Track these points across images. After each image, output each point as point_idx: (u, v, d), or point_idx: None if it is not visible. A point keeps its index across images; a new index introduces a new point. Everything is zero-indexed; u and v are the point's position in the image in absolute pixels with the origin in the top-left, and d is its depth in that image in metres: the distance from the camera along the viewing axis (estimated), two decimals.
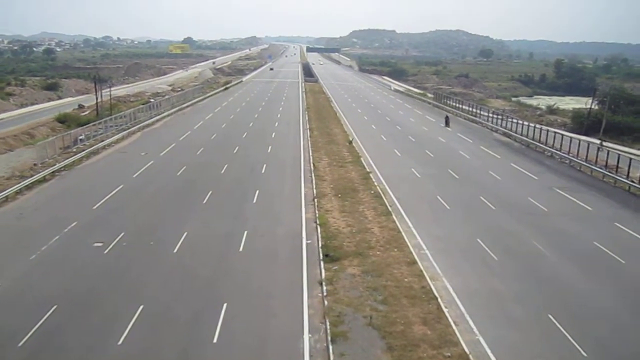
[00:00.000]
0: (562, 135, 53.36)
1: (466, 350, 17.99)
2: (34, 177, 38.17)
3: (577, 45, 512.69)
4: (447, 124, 69.75)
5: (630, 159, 40.54)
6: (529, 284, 23.61)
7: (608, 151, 45.09)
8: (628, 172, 39.82)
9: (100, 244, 26.74)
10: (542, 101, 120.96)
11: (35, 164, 42.46)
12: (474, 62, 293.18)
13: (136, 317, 19.92)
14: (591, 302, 22.23)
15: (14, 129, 60.32)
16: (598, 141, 53.23)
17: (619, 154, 43.20)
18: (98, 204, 33.14)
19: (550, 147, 52.34)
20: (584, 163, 45.45)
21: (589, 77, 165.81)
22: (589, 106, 73.70)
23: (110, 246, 26.56)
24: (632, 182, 38.90)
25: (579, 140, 49.73)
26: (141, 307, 20.57)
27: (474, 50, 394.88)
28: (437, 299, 21.45)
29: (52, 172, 40.29)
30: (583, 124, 70.71)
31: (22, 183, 36.41)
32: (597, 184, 41.31)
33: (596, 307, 21.77)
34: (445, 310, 20.66)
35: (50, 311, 20.14)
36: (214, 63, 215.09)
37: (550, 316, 20.65)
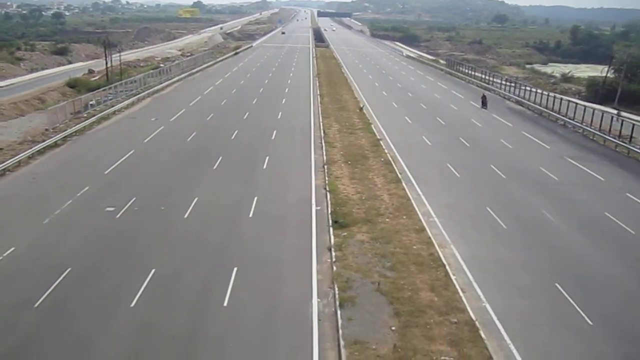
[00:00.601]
0: (576, 104, 52.65)
1: (473, 317, 18.17)
2: (46, 142, 38.41)
3: (594, 11, 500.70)
4: (484, 104, 58.97)
5: (634, 125, 39.99)
6: (537, 253, 23.67)
7: (622, 120, 44.43)
8: None
9: (112, 209, 27.03)
10: (557, 69, 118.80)
11: (46, 129, 42.69)
12: (487, 27, 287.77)
13: (148, 280, 20.26)
14: (599, 271, 22.28)
15: (25, 93, 60.49)
16: (614, 111, 52.48)
17: (633, 124, 42.62)
18: (109, 169, 33.39)
19: (563, 116, 51.72)
20: (597, 132, 44.95)
21: (606, 45, 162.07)
22: (604, 74, 72.45)
23: (122, 211, 26.85)
24: None
25: (593, 109, 49.10)
26: (153, 270, 20.90)
27: (488, 16, 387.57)
28: (445, 266, 21.59)
29: (64, 137, 40.50)
30: (598, 92, 69.64)
31: (34, 148, 36.68)
32: (610, 154, 40.93)
33: (604, 277, 21.82)
34: (452, 277, 20.80)
35: (65, 274, 20.52)
36: (221, 28, 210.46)
37: (557, 285, 20.76)
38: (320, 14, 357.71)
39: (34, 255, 22.32)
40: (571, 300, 19.69)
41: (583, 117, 48.39)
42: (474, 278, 21.15)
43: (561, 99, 55.23)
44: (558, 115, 52.62)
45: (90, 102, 51.75)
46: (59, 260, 21.61)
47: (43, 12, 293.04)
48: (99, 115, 47.92)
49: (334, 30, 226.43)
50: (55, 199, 28.12)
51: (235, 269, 21.25)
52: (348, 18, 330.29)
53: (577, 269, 22.35)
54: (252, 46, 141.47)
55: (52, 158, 36.47)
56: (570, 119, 50.32)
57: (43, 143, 38.05)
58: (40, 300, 18.80)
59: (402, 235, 24.39)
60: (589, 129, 46.45)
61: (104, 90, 56.39)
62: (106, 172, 32.87)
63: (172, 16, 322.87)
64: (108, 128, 45.65)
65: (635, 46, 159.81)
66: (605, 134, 43.88)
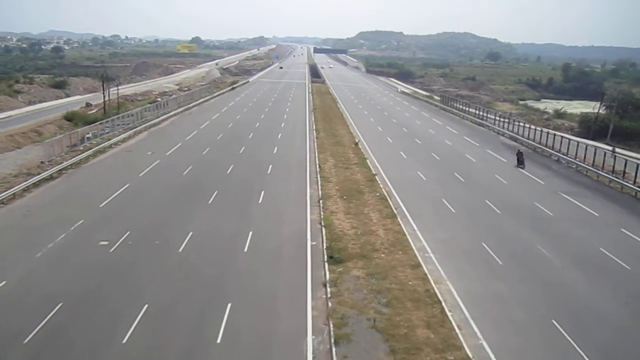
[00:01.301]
0: (569, 139, 53.18)
1: (469, 354, 17.97)
2: (41, 175, 38.39)
3: (585, 49, 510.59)
4: (520, 162, 47.56)
5: (638, 164, 40.36)
6: (533, 289, 23.56)
7: (615, 156, 44.84)
8: (635, 178, 39.67)
9: (105, 243, 26.86)
10: (550, 105, 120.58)
11: (42, 162, 42.72)
12: (481, 64, 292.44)
13: (141, 315, 20.00)
14: (596, 308, 22.15)
15: (22, 126, 60.80)
16: (609, 147, 53.01)
17: (626, 160, 43.00)
18: (104, 203, 33.30)
19: (556, 152, 52.18)
20: (591, 168, 45.29)
21: (597, 82, 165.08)
22: (596, 111, 73.49)
23: (116, 245, 26.68)
24: (639, 188, 38.72)
25: (586, 145, 49.61)
26: (146, 306, 20.66)
27: (481, 53, 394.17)
28: (441, 302, 21.43)
29: (59, 170, 40.50)
30: (590, 128, 70.58)
31: (29, 181, 36.64)
32: (604, 189, 41.17)
33: (601, 313, 21.69)
34: (449, 314, 20.62)
35: (56, 309, 20.25)
36: (217, 64, 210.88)
37: (554, 321, 20.60)
38: (316, 51, 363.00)
39: (25, 289, 22.04)
40: (568, 337, 19.51)
41: (576, 153, 48.83)
42: (470, 315, 20.98)
43: (554, 134, 55.83)
44: (552, 151, 53.08)
45: (87, 135, 51.93)
46: (51, 295, 21.34)
47: (43, 46, 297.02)
48: (95, 148, 48.04)
49: (331, 68, 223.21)
50: (49, 232, 27.96)
51: (230, 304, 21.03)
52: (344, 54, 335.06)
53: (573, 305, 22.22)
54: (249, 81, 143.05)
55: (47, 191, 36.38)
56: (563, 154, 50.76)
57: (38, 176, 38.02)
58: (30, 337, 18.48)
59: (397, 271, 24.27)
60: (582, 164, 46.83)
61: (100, 123, 56.73)
62: (101, 206, 32.78)
63: (171, 51, 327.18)
64: (104, 161, 45.71)
65: (625, 83, 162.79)
66: (598, 170, 44.22)
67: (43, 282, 22.64)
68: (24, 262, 24.49)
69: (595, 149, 47.06)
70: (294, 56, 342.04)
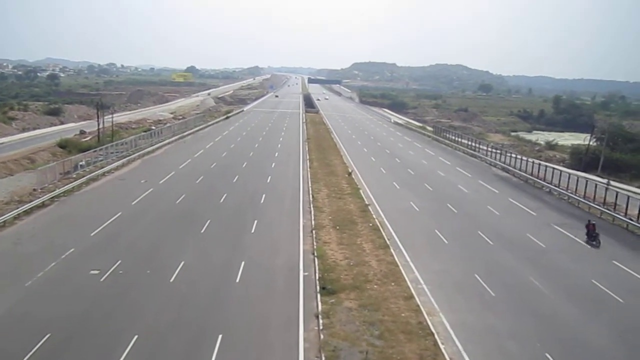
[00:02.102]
0: (561, 171, 53.64)
1: None
2: (33, 202, 38.19)
3: (575, 81, 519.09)
4: (592, 237, 35.52)
5: (629, 196, 40.69)
6: (526, 321, 23.48)
7: (607, 188, 45.20)
8: (626, 210, 39.92)
9: (96, 272, 26.63)
10: (541, 136, 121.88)
11: (34, 189, 42.53)
12: (473, 96, 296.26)
13: (130, 347, 19.74)
14: (589, 341, 22.09)
15: (15, 153, 60.62)
16: (604, 180, 53.38)
17: (617, 192, 43.38)
18: (96, 231, 33.11)
19: (548, 183, 52.55)
20: (582, 200, 45.58)
21: (588, 114, 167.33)
22: (587, 142, 74.34)
23: (107, 274, 26.45)
24: (631, 219, 38.97)
25: (577, 176, 50.03)
26: (135, 337, 20.41)
27: (473, 85, 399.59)
28: (433, 334, 21.30)
29: (52, 198, 40.32)
30: (581, 160, 71.21)
31: (20, 208, 36.42)
32: (595, 221, 41.27)
33: (594, 347, 21.63)
34: (441, 346, 20.49)
35: (44, 339, 19.96)
36: (209, 94, 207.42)
37: (547, 355, 20.50)
38: (310, 81, 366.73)
39: (14, 319, 21.75)
40: None
41: (568, 185, 49.21)
42: (463, 347, 20.85)
43: (546, 166, 56.33)
44: (543, 183, 53.46)
45: (80, 163, 51.86)
46: (39, 325, 21.07)
47: (39, 73, 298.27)
48: (88, 176, 47.93)
49: (327, 99, 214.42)
50: (39, 261, 27.70)
51: (221, 336, 20.81)
52: (338, 85, 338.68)
53: (566, 338, 22.14)
54: (243, 110, 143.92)
55: (38, 219, 36.16)
56: (555, 186, 51.13)
57: (30, 203, 37.82)
58: None
59: (390, 303, 24.15)
60: (574, 196, 47.14)
61: (94, 151, 56.68)
62: (92, 234, 32.58)
63: (166, 80, 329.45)
64: (97, 189, 45.58)
65: (615, 116, 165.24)
66: (590, 202, 44.51)
67: (32, 312, 22.32)
68: (14, 291, 24.21)
69: (587, 181, 47.47)
70: (289, 86, 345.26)
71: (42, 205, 38.72)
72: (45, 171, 45.73)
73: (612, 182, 52.98)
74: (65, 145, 66.49)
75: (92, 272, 26.65)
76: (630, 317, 24.55)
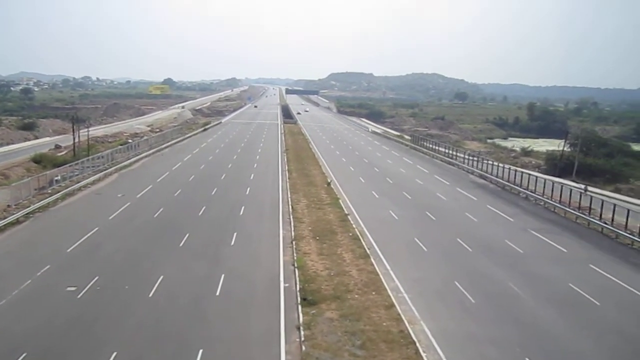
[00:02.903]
0: (537, 177, 54.46)
1: None
2: (7, 219, 37.43)
3: (549, 89, 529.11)
4: None
5: (603, 200, 41.47)
6: (506, 327, 23.69)
7: (581, 194, 45.98)
8: (601, 214, 40.67)
9: (73, 288, 26.15)
10: (517, 143, 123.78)
11: (9, 206, 41.68)
12: (449, 104, 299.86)
13: None
14: (568, 344, 22.36)
15: None
16: (582, 186, 54.23)
17: (591, 196, 44.18)
18: (72, 247, 32.56)
19: (525, 189, 53.29)
20: (558, 205, 46.31)
21: (561, 120, 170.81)
22: (561, 148, 75.71)
23: (84, 290, 26.00)
24: (605, 223, 39.69)
25: (553, 182, 50.84)
26: (114, 354, 20.06)
27: (449, 93, 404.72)
28: (415, 343, 21.34)
29: (26, 214, 39.59)
30: (556, 165, 72.45)
31: None
32: (571, 226, 42.08)
33: (572, 350, 21.90)
34: (423, 354, 20.54)
35: (20, 359, 19.50)
36: (183, 107, 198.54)
37: (527, 359, 20.67)
38: (288, 92, 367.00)
39: None
40: None
41: (544, 190, 49.96)
42: (444, 355, 20.94)
43: (522, 172, 57.15)
44: (520, 189, 54.21)
45: (56, 178, 51.01)
46: (15, 344, 20.60)
47: (12, 88, 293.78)
48: (64, 191, 47.20)
49: (307, 112, 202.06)
50: (14, 279, 27.10)
51: (201, 350, 20.57)
52: (315, 95, 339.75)
53: (546, 342, 22.37)
54: (221, 122, 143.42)
55: (12, 235, 35.44)
56: (531, 191, 51.86)
57: (4, 220, 37.05)
58: None
59: (371, 312, 24.17)
60: (550, 201, 47.87)
61: (70, 165, 55.84)
62: (69, 250, 32.04)
63: (142, 92, 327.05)
64: (73, 204, 44.90)
65: (588, 122, 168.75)
66: (565, 207, 45.24)
67: (7, 332, 21.81)
68: None
69: (562, 186, 48.26)
70: (267, 97, 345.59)
71: (17, 221, 37.99)
72: (20, 187, 44.89)
73: (589, 188, 53.82)
74: (40, 160, 65.51)
75: (69, 288, 26.17)
76: (607, 319, 24.92)
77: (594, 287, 28.47)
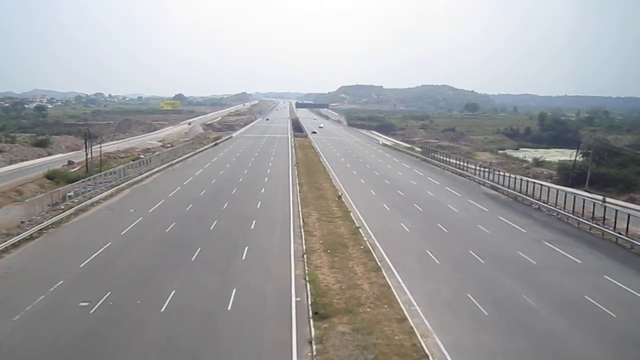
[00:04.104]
0: (549, 187, 54.06)
1: None
2: (21, 235, 37.80)
3: (559, 98, 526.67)
4: None
5: (617, 210, 41.05)
6: (520, 340, 23.42)
7: (594, 204, 45.55)
8: (615, 224, 40.22)
9: (86, 304, 26.28)
10: (528, 153, 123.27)
11: (22, 222, 42.12)
12: (460, 116, 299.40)
13: None
14: (582, 356, 22.06)
15: (2, 185, 60.24)
16: (600, 197, 53.68)
17: (605, 206, 43.73)
18: (85, 262, 32.77)
19: (537, 200, 52.89)
20: (571, 215, 45.89)
21: (573, 130, 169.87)
22: (573, 158, 75.20)
23: (97, 306, 26.12)
24: (620, 234, 39.24)
25: (565, 192, 50.44)
26: None
27: (459, 105, 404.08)
28: (428, 357, 21.18)
29: (40, 230, 39.96)
30: (569, 175, 71.92)
31: (8, 241, 35.99)
32: (585, 236, 41.62)
33: None
34: None
35: None
36: (189, 124, 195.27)
37: None
38: (298, 105, 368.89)
39: (2, 355, 21.34)
40: None
41: (556, 201, 49.57)
42: None
43: (534, 183, 56.75)
44: (532, 199, 53.82)
45: (69, 194, 51.52)
46: None
47: (26, 105, 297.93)
48: (76, 207, 47.61)
49: (321, 128, 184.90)
50: (27, 294, 27.30)
51: None
52: (325, 109, 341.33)
53: (560, 354, 22.11)
54: (232, 136, 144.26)
55: (26, 251, 35.75)
56: (544, 202, 51.48)
57: (18, 236, 37.42)
58: None
59: (383, 326, 24.02)
60: (563, 212, 47.47)
61: (82, 181, 56.43)
62: (81, 266, 32.24)
63: (154, 108, 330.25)
64: (85, 220, 45.25)
65: (600, 131, 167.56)
66: (579, 217, 44.82)
67: (20, 348, 21.96)
68: (1, 326, 23.78)
69: (575, 196, 47.85)
70: (277, 110, 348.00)
71: (30, 237, 38.33)
72: (33, 203, 45.37)
73: (607, 199, 53.16)
74: (54, 177, 66.26)
75: (82, 304, 26.31)
76: (623, 331, 24.53)
77: (609, 299, 28.09)
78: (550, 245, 38.67)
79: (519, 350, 22.46)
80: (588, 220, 43.53)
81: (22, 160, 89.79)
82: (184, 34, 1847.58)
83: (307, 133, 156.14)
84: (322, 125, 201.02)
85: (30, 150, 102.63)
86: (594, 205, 44.82)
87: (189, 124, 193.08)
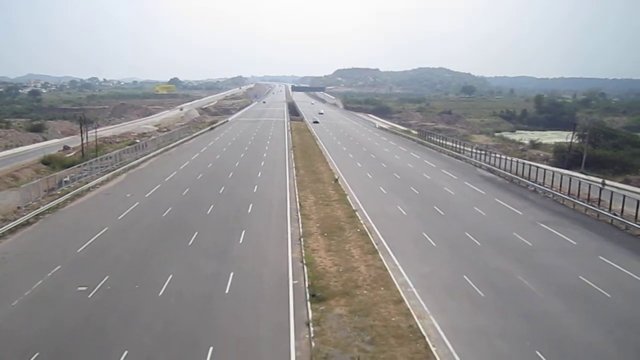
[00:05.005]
0: (545, 169, 54.15)
1: None
2: (18, 220, 37.76)
3: (556, 80, 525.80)
4: None
5: (612, 192, 41.18)
6: (516, 321, 23.63)
7: (590, 185, 45.66)
8: (610, 205, 40.39)
9: (84, 288, 26.36)
10: (525, 136, 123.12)
11: (19, 207, 42.02)
12: (456, 98, 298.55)
13: None
14: (578, 337, 22.27)
15: None
16: (599, 179, 53.59)
17: (600, 187, 43.84)
18: (82, 247, 32.80)
19: (533, 182, 53.03)
20: (567, 197, 46.05)
21: (569, 112, 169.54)
22: (569, 140, 75.20)
23: (95, 290, 26.20)
24: (615, 215, 39.43)
25: (561, 174, 50.56)
26: (126, 352, 20.22)
27: (456, 87, 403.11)
28: (424, 337, 21.35)
29: (36, 215, 39.91)
30: (565, 157, 71.96)
31: (5, 227, 35.96)
32: (580, 218, 41.83)
33: (583, 343, 21.80)
34: (433, 349, 20.54)
35: (32, 359, 19.69)
36: (181, 109, 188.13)
37: (538, 353, 20.63)
38: (294, 89, 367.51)
39: (1, 339, 21.44)
40: None
41: (552, 183, 49.71)
42: (454, 349, 20.92)
43: (530, 165, 56.86)
44: (528, 182, 53.95)
45: (65, 179, 51.37)
46: (27, 344, 20.81)
47: (20, 90, 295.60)
48: (73, 192, 47.52)
49: (321, 114, 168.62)
50: (25, 279, 27.37)
51: (211, 348, 20.69)
52: (322, 92, 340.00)
53: (556, 335, 22.29)
54: (228, 120, 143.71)
55: (23, 237, 35.75)
56: (540, 184, 51.60)
57: (15, 222, 37.38)
58: None
59: (380, 308, 24.18)
60: (558, 193, 47.62)
61: (78, 166, 56.20)
62: (79, 250, 32.27)
63: (149, 92, 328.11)
64: (82, 205, 45.19)
65: (596, 113, 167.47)
66: (574, 199, 44.98)
67: (19, 332, 22.05)
68: (0, 311, 23.86)
69: (570, 178, 47.97)
70: (273, 94, 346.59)
71: (27, 223, 38.30)
72: (29, 188, 45.23)
73: (607, 182, 53.16)
74: (49, 162, 65.92)
75: (80, 288, 26.38)
76: (618, 311, 24.78)
77: (604, 279, 28.32)
78: (546, 227, 38.84)
79: (515, 330, 22.67)
80: (584, 202, 43.70)
81: (17, 146, 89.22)
82: (179, 19, 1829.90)
83: (304, 117, 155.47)
84: (322, 111, 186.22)
85: (26, 136, 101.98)
86: (589, 187, 44.95)
87: (181, 109, 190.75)
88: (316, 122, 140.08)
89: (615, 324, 23.43)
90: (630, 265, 30.63)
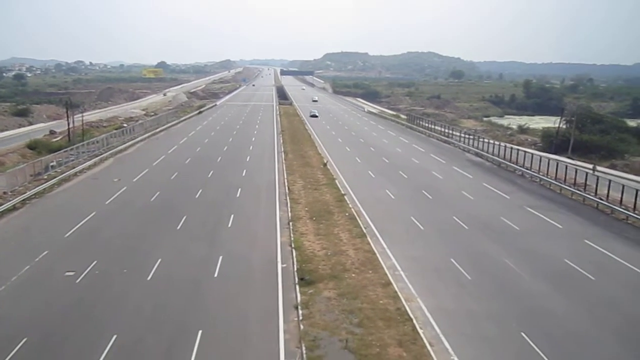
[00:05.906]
0: (532, 154, 54.53)
1: None
2: (4, 205, 37.40)
3: (544, 66, 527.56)
4: None
5: (598, 177, 41.64)
6: (502, 303, 23.95)
7: (576, 169, 46.10)
8: (596, 190, 40.88)
9: (72, 273, 26.26)
10: (513, 121, 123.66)
11: (4, 192, 41.60)
12: (445, 83, 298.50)
13: (109, 347, 19.58)
14: (563, 319, 22.63)
15: None
16: (589, 165, 54.05)
17: (587, 173, 44.28)
18: (70, 232, 32.62)
19: (520, 166, 53.42)
20: (554, 181, 46.47)
21: (557, 97, 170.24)
22: (557, 125, 75.72)
23: (83, 275, 26.12)
24: (601, 199, 39.90)
25: (548, 159, 50.95)
26: (114, 337, 20.23)
27: (445, 72, 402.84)
28: (412, 320, 21.58)
29: (23, 201, 39.55)
30: (552, 142, 72.52)
31: None
32: (567, 202, 42.28)
33: (568, 325, 22.16)
34: (420, 331, 20.79)
35: (20, 344, 19.66)
36: (164, 95, 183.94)
37: (523, 334, 20.95)
38: (283, 73, 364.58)
39: None
40: (538, 350, 19.84)
41: (539, 167, 50.11)
42: (441, 331, 21.18)
43: (518, 150, 57.23)
44: (516, 166, 54.34)
45: (51, 164, 50.86)
46: (15, 330, 20.73)
47: (4, 74, 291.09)
48: (60, 177, 47.09)
49: (315, 102, 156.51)
50: (12, 265, 27.19)
51: (200, 331, 20.76)
52: (311, 76, 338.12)
53: (542, 317, 22.63)
54: (216, 104, 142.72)
55: (10, 222, 35.45)
56: (527, 169, 52.00)
57: (1, 207, 37.00)
58: None
59: (368, 290, 24.37)
60: (545, 178, 48.04)
61: (65, 151, 55.65)
62: (66, 236, 32.10)
63: (136, 76, 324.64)
64: (69, 190, 44.84)
65: (584, 98, 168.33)
66: (561, 183, 45.42)
67: (6, 318, 21.95)
68: None
69: (557, 163, 48.38)
70: (262, 77, 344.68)
71: (14, 208, 37.97)
72: (15, 173, 44.74)
73: (576, 162, 53.76)
74: (35, 146, 65.27)
75: (68, 273, 26.28)
76: (602, 293, 25.21)
77: (589, 262, 28.75)
78: (533, 211, 39.23)
79: (502, 313, 22.99)
80: (570, 187, 44.14)
81: (2, 131, 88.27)
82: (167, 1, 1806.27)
83: (292, 100, 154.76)
84: (316, 98, 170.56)
85: (11, 120, 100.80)
86: (576, 172, 45.38)
87: (164, 94, 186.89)
88: (314, 115, 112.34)
89: (598, 306, 23.87)
90: (614, 248, 31.11)
